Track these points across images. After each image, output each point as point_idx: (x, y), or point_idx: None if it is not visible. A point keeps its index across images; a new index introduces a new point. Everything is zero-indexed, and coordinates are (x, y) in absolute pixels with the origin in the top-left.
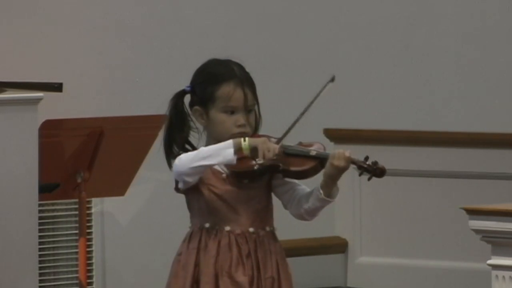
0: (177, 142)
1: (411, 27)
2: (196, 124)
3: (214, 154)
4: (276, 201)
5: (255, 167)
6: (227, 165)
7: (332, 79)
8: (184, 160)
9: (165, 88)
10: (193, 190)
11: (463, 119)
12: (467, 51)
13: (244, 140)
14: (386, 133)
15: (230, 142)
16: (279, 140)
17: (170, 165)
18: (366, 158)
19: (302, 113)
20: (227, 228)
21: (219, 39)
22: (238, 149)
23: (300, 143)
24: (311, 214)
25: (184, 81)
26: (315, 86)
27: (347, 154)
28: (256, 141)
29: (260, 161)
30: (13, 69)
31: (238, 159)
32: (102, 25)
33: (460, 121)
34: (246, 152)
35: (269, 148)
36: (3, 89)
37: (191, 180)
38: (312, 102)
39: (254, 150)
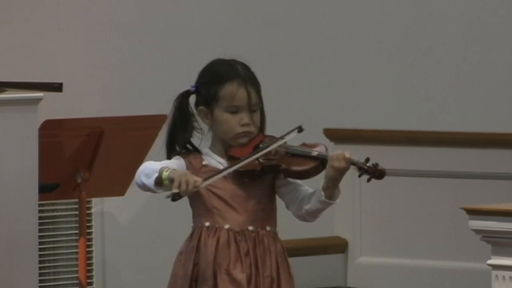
0: (179, 142)
1: (411, 27)
2: (200, 125)
3: (149, 174)
4: (278, 202)
5: (257, 168)
6: (229, 163)
7: (299, 130)
8: (140, 170)
9: (165, 88)
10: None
11: (463, 119)
12: (467, 51)
13: (166, 170)
14: (386, 133)
15: (159, 168)
16: (273, 142)
17: None
18: (367, 160)
19: (261, 151)
20: (226, 226)
21: (220, 39)
22: (159, 178)
23: (303, 144)
24: (312, 215)
25: (184, 81)
26: (315, 86)
27: (347, 155)
28: (176, 173)
29: (174, 190)
30: (13, 69)
31: (239, 159)
32: (102, 25)
33: (460, 121)
34: (164, 182)
35: (188, 181)
36: (3, 89)
37: (146, 191)
38: (269, 146)
39: (172, 181)
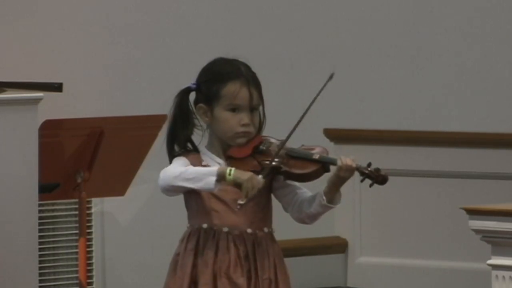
0: (179, 140)
1: (411, 27)
2: (200, 122)
3: (197, 178)
4: (276, 202)
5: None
6: (228, 165)
7: (331, 77)
8: (168, 175)
9: (165, 88)
10: (192, 190)
11: (463, 119)
12: (467, 51)
13: (229, 174)
14: (386, 133)
15: (214, 169)
16: (282, 143)
17: (171, 162)
18: (369, 165)
19: (304, 114)
20: (225, 229)
21: (220, 39)
22: (221, 180)
23: (303, 146)
24: (312, 218)
25: (184, 81)
26: (315, 86)
27: (354, 165)
28: (242, 177)
29: (241, 201)
30: (13, 69)
31: (240, 160)
32: (102, 25)
33: (460, 121)
34: (229, 184)
35: (253, 186)
36: (3, 89)
37: (171, 195)
38: (313, 102)
39: (237, 185)
